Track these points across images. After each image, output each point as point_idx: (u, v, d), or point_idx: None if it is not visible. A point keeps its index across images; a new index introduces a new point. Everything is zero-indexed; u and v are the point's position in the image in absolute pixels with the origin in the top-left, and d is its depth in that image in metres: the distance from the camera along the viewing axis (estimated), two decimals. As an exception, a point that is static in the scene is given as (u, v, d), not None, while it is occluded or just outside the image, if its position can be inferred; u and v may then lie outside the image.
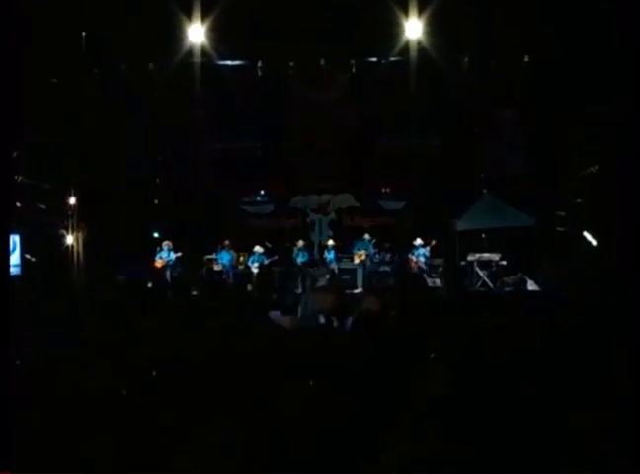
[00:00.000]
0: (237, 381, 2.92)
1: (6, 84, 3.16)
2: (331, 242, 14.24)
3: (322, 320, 8.32)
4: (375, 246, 14.01)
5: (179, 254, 13.57)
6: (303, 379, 2.90)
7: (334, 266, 13.87)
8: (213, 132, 15.44)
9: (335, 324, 6.11)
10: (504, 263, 13.46)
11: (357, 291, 13.35)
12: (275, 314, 5.65)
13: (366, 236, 14.13)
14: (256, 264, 13.95)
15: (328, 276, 13.66)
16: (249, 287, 12.98)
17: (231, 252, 14.15)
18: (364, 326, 3.57)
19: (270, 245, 14.50)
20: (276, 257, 14.12)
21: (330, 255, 14.02)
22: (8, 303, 2.91)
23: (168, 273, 13.46)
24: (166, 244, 13.57)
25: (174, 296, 11.92)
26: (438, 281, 13.11)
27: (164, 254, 13.57)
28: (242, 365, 3.08)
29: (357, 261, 14.05)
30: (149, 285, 12.78)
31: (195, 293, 12.16)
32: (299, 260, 14.03)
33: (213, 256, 14.33)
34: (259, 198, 16.66)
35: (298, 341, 3.41)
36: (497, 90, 13.98)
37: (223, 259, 14.01)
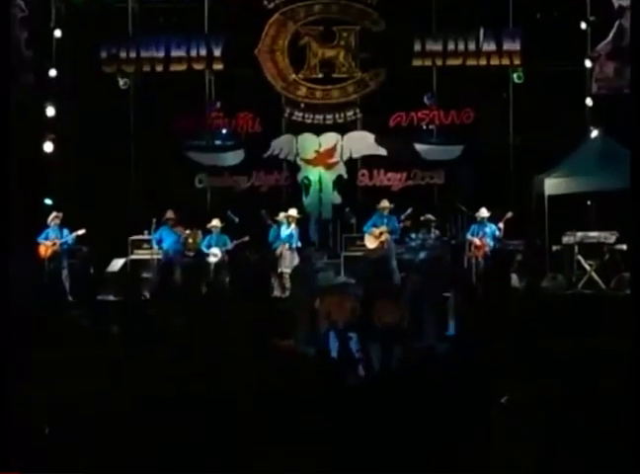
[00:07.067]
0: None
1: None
2: (294, 212, 13.86)
3: (332, 342, 8.06)
4: (400, 219, 13.52)
5: (80, 232, 13.35)
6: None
7: (287, 250, 13.42)
8: (142, 28, 15.37)
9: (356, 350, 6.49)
10: (623, 247, 13.12)
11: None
12: None
13: (384, 203, 13.74)
14: (215, 249, 13.84)
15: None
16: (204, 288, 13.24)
17: (176, 231, 13.81)
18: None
19: (236, 218, 14.36)
20: (246, 238, 13.94)
21: (288, 231, 13.56)
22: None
23: (65, 263, 13.31)
24: (54, 217, 13.39)
25: (75, 305, 11.97)
26: (514, 277, 13.06)
27: (52, 233, 13.32)
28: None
29: (373, 244, 13.63)
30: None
31: (111, 298, 12.57)
32: (286, 238, 13.56)
33: (145, 236, 14.24)
34: (219, 141, 16.29)
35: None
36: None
37: (165, 241, 13.77)
